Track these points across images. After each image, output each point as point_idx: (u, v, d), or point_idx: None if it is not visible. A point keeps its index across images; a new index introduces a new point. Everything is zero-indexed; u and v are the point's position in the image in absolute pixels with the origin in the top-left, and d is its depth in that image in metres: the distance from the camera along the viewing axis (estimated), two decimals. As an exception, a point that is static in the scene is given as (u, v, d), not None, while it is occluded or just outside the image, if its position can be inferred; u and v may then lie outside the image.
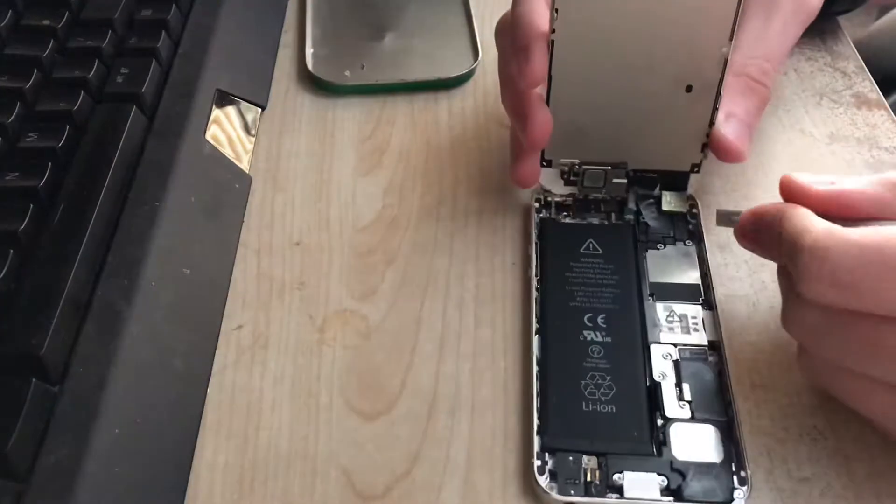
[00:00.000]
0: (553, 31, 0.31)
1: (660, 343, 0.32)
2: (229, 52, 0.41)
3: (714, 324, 0.32)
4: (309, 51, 0.44)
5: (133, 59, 0.37)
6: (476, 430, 0.31)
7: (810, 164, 0.39)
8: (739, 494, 0.28)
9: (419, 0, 0.47)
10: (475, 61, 0.43)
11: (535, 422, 0.30)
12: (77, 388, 0.27)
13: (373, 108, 0.42)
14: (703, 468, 0.28)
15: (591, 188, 0.36)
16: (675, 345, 0.32)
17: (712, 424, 0.29)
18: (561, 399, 0.30)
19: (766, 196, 0.36)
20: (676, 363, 0.31)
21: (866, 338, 0.26)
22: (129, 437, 0.28)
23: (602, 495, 0.28)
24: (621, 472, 0.28)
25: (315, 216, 0.37)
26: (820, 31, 0.45)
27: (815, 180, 0.29)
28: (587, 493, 0.28)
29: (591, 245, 0.34)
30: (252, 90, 0.42)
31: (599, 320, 0.32)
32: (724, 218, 0.32)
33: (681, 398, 0.30)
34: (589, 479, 0.28)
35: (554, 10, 0.31)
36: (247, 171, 0.39)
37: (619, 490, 0.28)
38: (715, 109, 0.33)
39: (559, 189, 0.36)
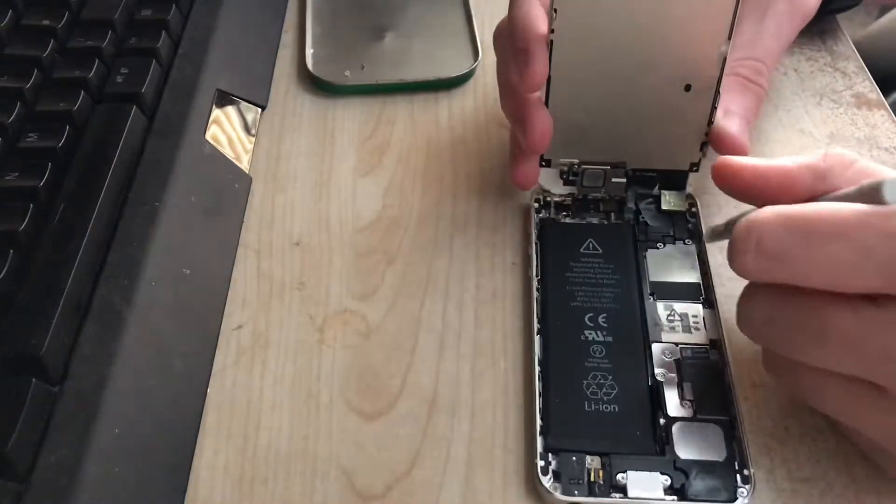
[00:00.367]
0: (552, 31, 0.31)
1: (661, 342, 0.32)
2: (229, 52, 0.41)
3: (715, 322, 0.32)
4: (309, 51, 0.44)
5: (133, 59, 0.37)
6: (476, 430, 0.30)
7: (810, 164, 0.39)
8: (743, 493, 0.28)
9: (419, 0, 0.47)
10: (475, 61, 0.43)
11: (538, 422, 0.30)
12: (77, 388, 0.27)
13: (373, 108, 0.42)
14: (707, 467, 0.28)
15: (591, 188, 0.36)
16: (676, 344, 0.32)
17: (715, 423, 0.29)
18: (563, 399, 0.30)
19: (767, 196, 0.36)
20: (678, 362, 0.31)
21: (811, 324, 0.25)
22: (129, 437, 0.28)
23: (606, 495, 0.28)
24: (625, 471, 0.28)
25: (315, 216, 0.37)
26: (820, 31, 0.45)
27: (750, 160, 0.29)
28: (591, 493, 0.28)
29: (590, 245, 0.34)
30: (252, 90, 0.42)
31: (600, 320, 0.32)
32: (711, 233, 0.33)
33: (683, 397, 0.30)
34: (592, 479, 0.28)
35: (553, 10, 0.31)
36: (247, 171, 0.39)
37: (622, 490, 0.28)
38: (714, 108, 0.33)
39: (558, 189, 0.36)
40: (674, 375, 0.31)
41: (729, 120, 0.34)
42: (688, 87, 0.33)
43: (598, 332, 0.32)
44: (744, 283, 0.34)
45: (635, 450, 0.29)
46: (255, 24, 0.45)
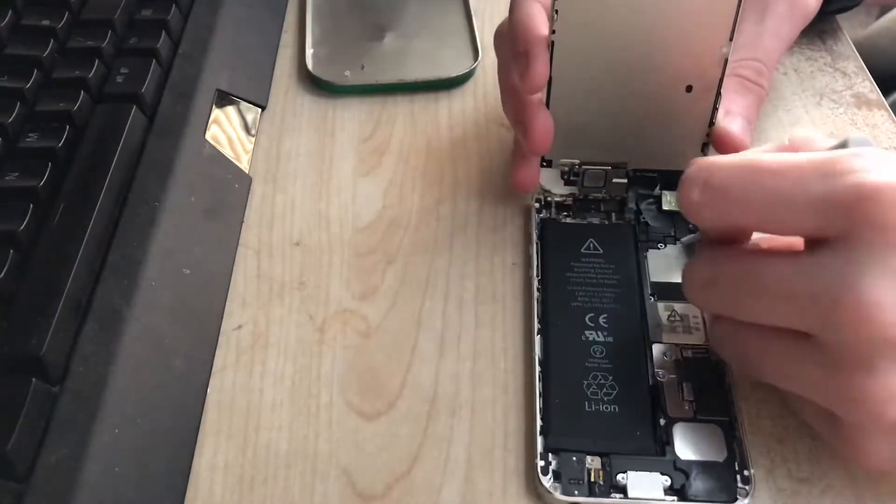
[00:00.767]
0: (553, 32, 0.31)
1: (661, 343, 0.32)
2: (229, 52, 0.41)
3: None
4: (309, 51, 0.44)
5: (133, 59, 0.37)
6: (476, 430, 0.31)
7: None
8: (743, 493, 0.28)
9: (419, 0, 0.47)
10: (475, 61, 0.43)
11: (538, 422, 0.30)
12: (77, 388, 0.27)
13: (373, 108, 0.42)
14: (707, 467, 0.28)
15: (592, 188, 0.36)
16: (676, 344, 0.32)
17: (715, 423, 0.29)
18: (564, 399, 0.30)
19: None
20: (678, 362, 0.31)
21: (748, 278, 0.26)
22: (129, 437, 0.28)
23: (606, 495, 0.28)
24: (625, 471, 0.28)
25: (315, 216, 0.37)
26: (820, 31, 0.45)
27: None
28: (591, 494, 0.28)
29: (591, 245, 0.34)
30: (252, 90, 0.42)
31: (601, 320, 0.32)
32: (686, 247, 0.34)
33: (683, 398, 0.30)
34: (592, 479, 0.28)
35: (554, 10, 0.31)
36: (247, 171, 0.39)
37: (622, 490, 0.28)
38: (715, 109, 0.33)
39: (559, 189, 0.36)
40: (674, 376, 0.31)
41: (730, 120, 0.34)
42: (689, 88, 0.33)
43: (599, 333, 0.32)
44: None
45: (635, 450, 0.29)
46: (255, 24, 0.45)
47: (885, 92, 0.42)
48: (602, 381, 0.30)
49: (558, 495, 0.28)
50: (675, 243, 0.35)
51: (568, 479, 0.28)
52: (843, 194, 0.24)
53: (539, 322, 0.32)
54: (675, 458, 0.29)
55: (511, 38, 0.33)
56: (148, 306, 0.31)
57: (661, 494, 0.28)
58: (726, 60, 0.32)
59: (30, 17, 0.38)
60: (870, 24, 0.68)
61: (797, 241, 0.27)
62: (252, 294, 0.35)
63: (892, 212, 0.23)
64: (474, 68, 0.43)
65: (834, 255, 0.24)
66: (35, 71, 0.35)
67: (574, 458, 0.29)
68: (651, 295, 0.33)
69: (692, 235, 0.34)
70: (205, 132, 0.37)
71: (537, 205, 0.36)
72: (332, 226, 0.37)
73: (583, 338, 0.32)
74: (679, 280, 0.33)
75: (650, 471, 0.28)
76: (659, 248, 0.35)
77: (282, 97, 0.43)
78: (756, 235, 0.29)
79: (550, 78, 0.32)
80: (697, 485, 0.28)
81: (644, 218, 0.35)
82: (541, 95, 0.33)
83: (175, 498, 0.28)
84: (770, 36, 0.36)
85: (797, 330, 0.26)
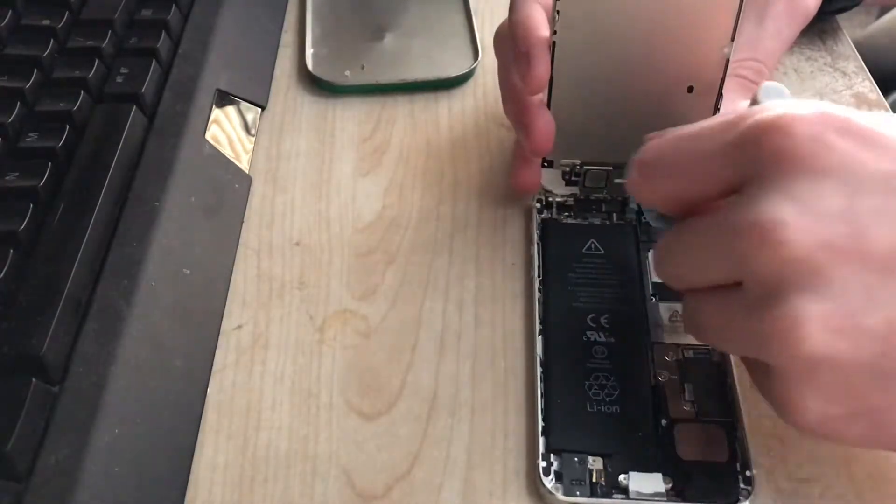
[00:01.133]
0: (554, 32, 0.31)
1: (663, 343, 0.32)
2: (229, 52, 0.41)
3: None
4: (309, 51, 0.44)
5: (133, 59, 0.37)
6: (476, 430, 0.31)
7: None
8: (745, 494, 0.28)
9: (419, 0, 0.47)
10: (475, 61, 0.43)
11: (540, 423, 0.29)
12: (77, 388, 0.27)
13: (373, 108, 0.42)
14: (709, 468, 0.28)
15: (593, 188, 0.36)
16: (678, 345, 0.31)
17: (717, 424, 0.29)
18: (565, 400, 0.30)
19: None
20: (680, 363, 0.31)
21: (679, 240, 0.27)
22: (129, 437, 0.28)
23: (607, 496, 0.28)
24: (626, 472, 0.28)
25: (315, 216, 0.37)
26: (820, 31, 0.45)
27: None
28: (593, 494, 0.28)
29: (593, 245, 0.34)
30: (252, 90, 0.42)
31: (602, 321, 0.32)
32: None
33: (685, 398, 0.30)
34: (594, 479, 0.28)
35: (555, 11, 0.31)
36: (247, 171, 0.39)
37: (624, 491, 0.28)
38: (716, 109, 0.33)
39: (560, 189, 0.36)
40: (675, 376, 0.31)
41: None
42: (690, 89, 0.33)
43: (600, 333, 0.32)
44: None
45: (637, 451, 0.29)
46: (255, 24, 0.45)
47: (885, 92, 0.42)
48: (603, 382, 0.30)
49: (560, 496, 0.28)
50: None
51: (570, 480, 0.28)
52: (745, 135, 0.25)
53: (540, 322, 0.32)
54: (677, 459, 0.29)
55: (511, 40, 0.33)
56: (148, 306, 0.31)
57: (662, 495, 0.28)
58: (728, 60, 0.32)
59: (30, 17, 0.38)
60: (870, 24, 0.68)
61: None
62: (252, 294, 0.35)
63: (788, 139, 0.24)
64: (474, 68, 0.43)
65: (745, 196, 0.25)
66: (35, 71, 0.35)
67: (576, 459, 0.29)
68: (652, 295, 0.33)
69: (652, 213, 0.34)
70: (205, 132, 0.37)
71: (538, 205, 0.36)
72: (332, 226, 0.37)
73: (584, 338, 0.32)
74: None
75: (652, 471, 0.28)
76: None
77: (282, 97, 0.43)
78: None
79: (551, 78, 0.32)
80: (699, 486, 0.28)
81: (645, 218, 0.35)
82: (542, 96, 0.33)
83: (175, 498, 0.28)
84: (770, 37, 0.36)
85: (726, 285, 0.26)
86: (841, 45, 0.44)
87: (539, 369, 0.31)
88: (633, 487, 0.28)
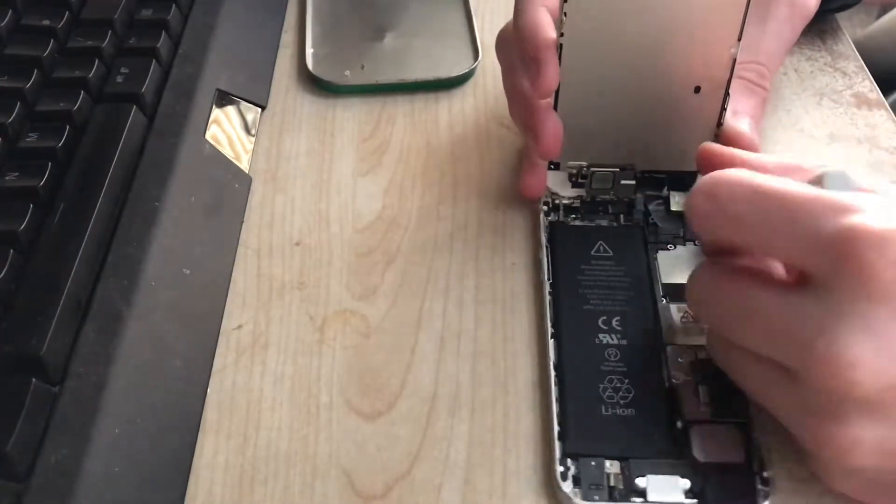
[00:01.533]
0: (562, 34, 0.31)
1: (676, 344, 0.31)
2: (229, 52, 0.41)
3: None
4: (309, 51, 0.44)
5: (133, 59, 0.37)
6: (476, 430, 0.30)
7: (810, 164, 0.39)
8: (763, 495, 0.27)
9: (419, 0, 0.47)
10: (475, 61, 0.43)
11: (556, 427, 0.29)
12: (77, 388, 0.27)
13: (373, 108, 0.42)
14: (726, 469, 0.28)
15: (600, 190, 0.36)
16: (690, 346, 0.31)
17: (732, 425, 0.29)
18: (580, 404, 0.30)
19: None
20: (693, 364, 0.31)
21: (739, 304, 0.27)
22: (129, 437, 0.28)
23: (626, 500, 0.28)
24: (644, 475, 0.28)
25: (315, 216, 0.37)
26: (820, 31, 0.45)
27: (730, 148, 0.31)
28: (611, 499, 0.28)
29: (601, 247, 0.34)
30: (252, 90, 0.42)
31: (614, 323, 0.32)
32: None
33: (699, 399, 0.30)
34: (612, 483, 0.28)
35: (562, 13, 0.31)
36: (247, 171, 0.39)
37: (642, 494, 0.28)
38: (723, 110, 0.33)
39: (567, 191, 0.36)
40: (689, 378, 0.30)
41: (739, 120, 0.34)
42: (697, 89, 0.33)
43: (613, 336, 0.32)
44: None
45: (653, 453, 0.29)
46: (255, 24, 0.45)
47: (885, 92, 0.42)
48: (618, 385, 0.30)
49: (579, 501, 0.28)
50: (684, 244, 0.34)
51: (588, 485, 0.28)
52: (832, 234, 0.24)
53: (552, 326, 0.32)
54: (694, 461, 0.28)
55: (518, 44, 0.32)
56: (148, 306, 0.31)
57: (681, 498, 0.28)
58: (735, 60, 0.32)
59: (30, 17, 0.38)
60: (870, 24, 0.68)
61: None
62: (252, 294, 0.35)
63: (876, 259, 0.23)
64: (474, 68, 0.43)
65: (817, 299, 0.24)
66: (35, 71, 0.35)
67: (593, 464, 0.28)
68: (663, 296, 0.33)
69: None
70: (205, 132, 0.37)
71: (545, 207, 0.36)
72: (332, 226, 0.37)
73: (596, 341, 0.31)
74: None
75: (669, 474, 0.28)
76: (669, 249, 0.34)
77: (282, 97, 0.43)
78: None
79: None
80: (717, 487, 0.28)
81: (653, 219, 0.35)
82: (549, 99, 0.33)
83: (175, 498, 0.28)
84: (771, 39, 0.37)
85: (778, 361, 0.26)
86: (841, 45, 0.44)
87: (552, 373, 0.31)
88: (650, 491, 0.28)
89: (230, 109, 0.40)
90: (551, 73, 0.31)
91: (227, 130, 0.39)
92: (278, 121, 0.41)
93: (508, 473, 0.29)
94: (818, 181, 0.26)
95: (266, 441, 0.30)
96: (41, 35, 0.37)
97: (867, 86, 0.42)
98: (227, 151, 0.38)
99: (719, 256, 0.29)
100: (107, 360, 0.28)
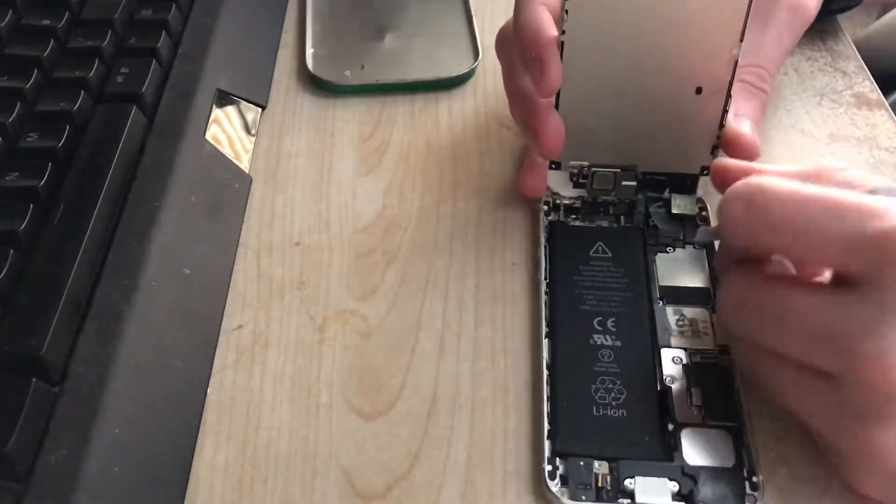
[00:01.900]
0: (563, 32, 0.31)
1: (670, 347, 0.31)
2: (229, 52, 0.41)
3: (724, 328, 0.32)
4: (309, 51, 0.44)
5: (133, 59, 0.37)
6: (476, 430, 0.30)
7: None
8: (752, 500, 0.28)
9: (419, 0, 0.47)
10: (475, 61, 0.43)
11: (546, 426, 0.29)
12: (77, 388, 0.27)
13: (373, 108, 0.42)
14: (715, 473, 0.28)
15: (601, 191, 0.36)
16: (685, 349, 0.31)
17: (723, 429, 0.29)
18: (571, 403, 0.30)
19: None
20: (687, 367, 0.31)
21: (774, 307, 0.27)
22: (129, 437, 0.28)
23: (613, 501, 0.28)
24: (633, 477, 0.28)
25: (315, 216, 0.37)
26: (820, 31, 0.45)
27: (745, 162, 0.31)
28: (598, 499, 0.28)
29: (600, 248, 0.34)
30: (252, 90, 0.42)
31: (609, 324, 0.32)
32: (704, 234, 0.34)
33: (691, 403, 0.30)
34: (600, 484, 0.28)
35: (564, 11, 0.31)
36: (247, 171, 0.39)
37: (630, 495, 0.28)
38: (725, 111, 0.33)
39: (568, 192, 0.36)
40: (682, 381, 0.30)
41: (740, 122, 0.34)
42: (699, 90, 0.32)
43: (607, 337, 0.32)
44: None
45: (643, 455, 0.29)
46: (255, 24, 0.45)
47: (885, 92, 0.42)
48: (610, 386, 0.30)
49: (566, 500, 0.28)
50: (683, 247, 0.34)
51: (575, 484, 0.28)
52: (876, 236, 0.24)
53: (547, 325, 0.32)
54: (684, 464, 0.28)
55: (520, 43, 0.32)
56: (148, 306, 0.31)
57: (668, 500, 0.28)
58: (737, 62, 0.31)
59: (30, 17, 0.38)
60: (870, 24, 0.68)
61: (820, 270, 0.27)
62: (252, 294, 0.35)
63: None
64: (474, 68, 0.43)
65: (860, 300, 0.24)
66: (35, 71, 0.35)
67: (581, 463, 0.28)
68: (659, 299, 0.33)
69: (702, 229, 0.34)
70: (205, 132, 0.37)
71: (545, 207, 0.36)
72: (332, 226, 0.37)
73: (591, 341, 0.32)
74: (687, 284, 0.33)
75: (658, 476, 0.28)
76: (668, 252, 0.34)
77: (282, 97, 0.43)
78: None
79: None
80: (706, 491, 0.28)
81: (653, 221, 0.35)
82: (550, 98, 0.33)
83: (175, 498, 0.28)
84: (772, 42, 0.37)
85: (817, 366, 0.26)
86: (841, 45, 0.44)
87: (545, 372, 0.31)
88: (639, 492, 0.28)
89: (230, 109, 0.40)
90: (555, 72, 0.31)
91: (227, 130, 0.39)
92: (278, 121, 0.41)
93: (508, 473, 0.29)
94: (871, 193, 0.26)
95: (266, 441, 0.30)
96: (41, 35, 0.37)
97: (867, 86, 0.42)
98: (228, 151, 0.38)
99: (743, 264, 0.29)
100: (107, 360, 0.28)
